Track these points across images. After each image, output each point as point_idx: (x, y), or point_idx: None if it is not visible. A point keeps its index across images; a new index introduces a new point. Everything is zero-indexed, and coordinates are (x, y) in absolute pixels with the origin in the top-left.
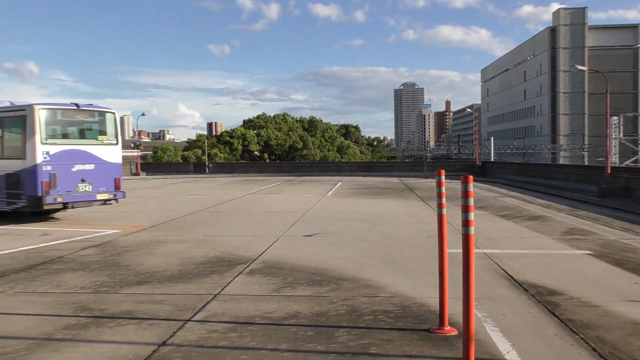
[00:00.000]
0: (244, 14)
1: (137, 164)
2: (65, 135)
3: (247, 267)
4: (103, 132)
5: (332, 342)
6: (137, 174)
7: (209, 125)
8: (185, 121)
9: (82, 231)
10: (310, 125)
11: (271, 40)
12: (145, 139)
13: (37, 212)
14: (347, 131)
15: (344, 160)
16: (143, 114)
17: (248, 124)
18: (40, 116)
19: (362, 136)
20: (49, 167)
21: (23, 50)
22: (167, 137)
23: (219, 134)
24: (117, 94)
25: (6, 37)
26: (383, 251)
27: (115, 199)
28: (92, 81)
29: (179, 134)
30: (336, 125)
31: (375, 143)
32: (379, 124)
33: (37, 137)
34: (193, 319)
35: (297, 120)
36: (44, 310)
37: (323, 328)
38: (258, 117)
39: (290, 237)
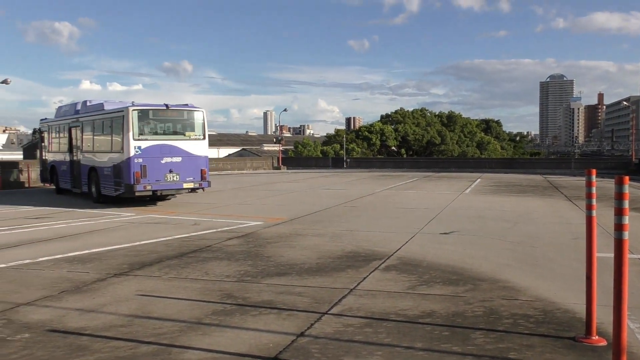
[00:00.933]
0: (384, 9)
1: (278, 158)
2: (155, 132)
3: (383, 262)
4: (191, 129)
5: (469, 344)
6: (278, 168)
7: (348, 120)
8: (324, 116)
9: (228, 222)
10: (449, 120)
11: (411, 34)
12: (287, 134)
13: (133, 198)
14: (488, 126)
15: (483, 156)
16: (285, 110)
17: (386, 119)
18: (133, 116)
19: (503, 131)
20: (140, 160)
21: (179, 50)
22: (307, 132)
23: (357, 129)
24: (261, 90)
25: (166, 38)
26: (524, 252)
27: (202, 188)
28: (239, 78)
29: (318, 129)
30: (476, 120)
31: (517, 138)
32: (522, 119)
33: (130, 134)
34: (330, 312)
35: (435, 115)
36: (194, 295)
37: (459, 329)
38: (396, 112)
39: (427, 234)
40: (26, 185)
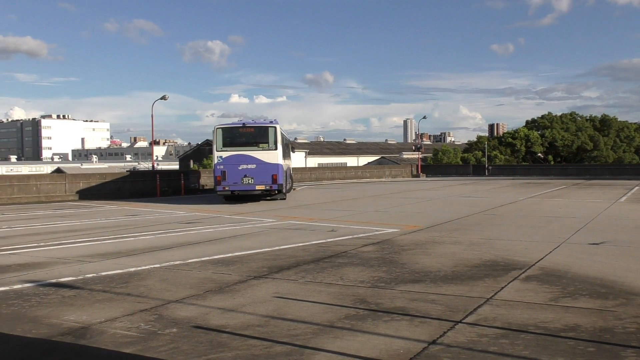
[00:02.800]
0: (530, 10)
1: (417, 166)
2: (234, 144)
3: (523, 272)
4: (264, 142)
5: None
6: (417, 176)
7: (490, 126)
8: (466, 123)
9: (365, 229)
10: (603, 125)
11: (560, 35)
12: (427, 142)
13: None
14: None
15: None
16: (425, 117)
17: (531, 124)
18: (217, 133)
19: None
20: (221, 167)
21: (321, 62)
22: (448, 139)
23: (500, 135)
24: (400, 98)
25: (309, 51)
26: None
27: (272, 190)
28: (379, 87)
29: (459, 136)
30: (635, 123)
31: None
32: None
33: (215, 147)
34: (464, 320)
35: (586, 119)
36: (328, 299)
37: (607, 345)
38: (542, 117)
39: (573, 245)
40: (200, 189)
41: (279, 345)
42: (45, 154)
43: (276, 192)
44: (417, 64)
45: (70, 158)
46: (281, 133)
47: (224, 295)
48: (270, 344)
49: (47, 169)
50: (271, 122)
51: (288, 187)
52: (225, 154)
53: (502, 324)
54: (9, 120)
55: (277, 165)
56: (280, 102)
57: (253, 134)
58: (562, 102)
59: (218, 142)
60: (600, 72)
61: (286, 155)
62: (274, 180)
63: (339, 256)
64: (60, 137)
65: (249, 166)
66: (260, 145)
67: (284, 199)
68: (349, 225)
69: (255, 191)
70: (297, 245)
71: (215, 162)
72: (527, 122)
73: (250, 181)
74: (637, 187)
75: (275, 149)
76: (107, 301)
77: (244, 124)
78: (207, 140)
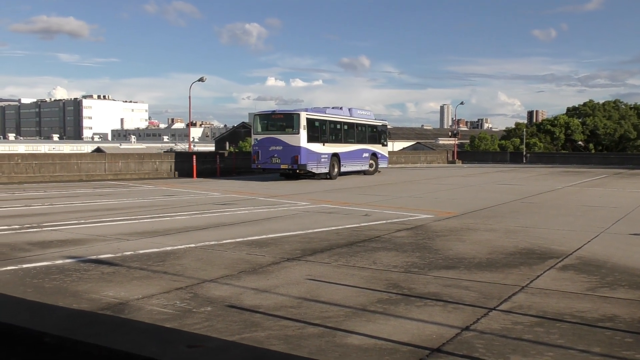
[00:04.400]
0: None
1: (453, 152)
2: (266, 129)
3: (559, 261)
4: (290, 126)
5: None
6: (453, 162)
7: (529, 113)
8: (504, 110)
9: (399, 214)
10: None
11: (605, 20)
12: (464, 128)
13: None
14: None
15: None
16: (462, 103)
17: (572, 111)
18: (255, 119)
19: None
20: (256, 148)
21: (357, 46)
22: (486, 125)
23: (539, 122)
24: (438, 83)
25: (345, 35)
26: None
27: (292, 169)
28: (416, 72)
29: (497, 123)
30: None
31: None
32: None
33: (252, 131)
34: (498, 308)
35: (630, 108)
36: (361, 283)
37: None
38: (584, 104)
39: (613, 234)
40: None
41: (312, 326)
42: (86, 133)
43: (298, 171)
44: (454, 48)
45: (109, 138)
46: (307, 119)
47: (257, 276)
48: (302, 325)
49: (88, 148)
50: (297, 110)
51: (335, 170)
52: (259, 137)
53: (537, 312)
54: (52, 99)
55: (299, 148)
56: (316, 86)
57: (282, 120)
58: (605, 90)
59: (255, 126)
60: None
61: (316, 139)
62: (295, 161)
63: (373, 240)
64: (100, 117)
65: (277, 148)
66: (287, 130)
67: (329, 179)
68: (382, 210)
69: (279, 170)
70: (330, 228)
71: (252, 143)
72: (567, 109)
73: (277, 160)
74: None
75: (298, 133)
76: (144, 279)
77: (274, 111)
78: (243, 122)
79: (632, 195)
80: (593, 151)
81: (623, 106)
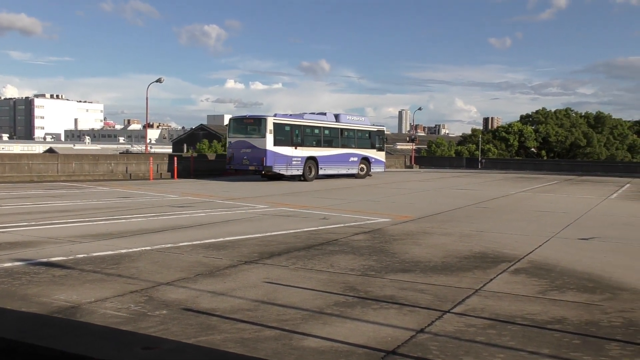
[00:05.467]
0: (529, 4)
1: (411, 157)
2: (239, 132)
3: (512, 265)
4: (258, 130)
5: (602, 355)
6: (410, 167)
7: (485, 120)
8: (461, 116)
9: (356, 217)
10: (597, 122)
11: (558, 30)
12: (421, 133)
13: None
14: None
15: (635, 160)
16: (420, 109)
17: (526, 119)
18: (230, 123)
19: None
20: (230, 150)
21: (317, 50)
22: (443, 131)
23: (494, 129)
24: (397, 89)
25: (306, 38)
26: None
27: (259, 170)
28: (375, 77)
29: (454, 129)
30: (629, 121)
31: None
32: None
33: (227, 134)
34: (452, 310)
35: (581, 116)
36: (318, 286)
37: (592, 338)
38: (537, 112)
39: (563, 239)
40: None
41: (268, 329)
42: (38, 133)
43: (263, 173)
44: (414, 55)
45: (62, 138)
46: (274, 124)
47: (214, 279)
48: (259, 328)
49: (39, 148)
50: (264, 115)
51: (312, 173)
52: (233, 140)
53: (490, 314)
54: (2, 98)
55: (265, 151)
56: (276, 89)
57: (252, 124)
58: (557, 98)
59: (230, 130)
60: (596, 69)
61: (286, 143)
62: (261, 163)
63: (330, 244)
64: (53, 117)
65: (247, 150)
66: (255, 133)
67: (304, 180)
68: (340, 213)
69: (248, 171)
70: (288, 232)
71: (227, 145)
72: (521, 116)
73: (246, 162)
74: (628, 185)
75: (264, 137)
76: (98, 282)
77: (246, 116)
78: (201, 124)
79: (581, 201)
80: (545, 158)
81: (574, 114)
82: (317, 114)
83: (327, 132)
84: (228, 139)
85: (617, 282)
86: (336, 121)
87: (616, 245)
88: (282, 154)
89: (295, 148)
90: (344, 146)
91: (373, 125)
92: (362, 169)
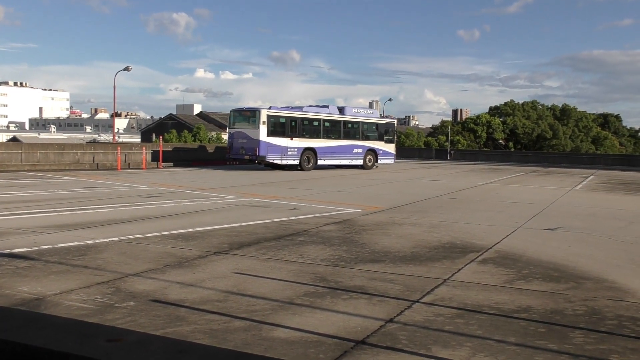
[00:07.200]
0: None
1: None
2: (237, 124)
3: (480, 255)
4: (252, 122)
5: (566, 343)
6: None
7: (454, 111)
8: (430, 107)
9: (326, 208)
10: (562, 114)
11: (525, 24)
12: None
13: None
14: (606, 121)
15: (599, 152)
16: (390, 100)
17: (494, 111)
18: (230, 114)
19: (623, 127)
20: (230, 140)
21: (288, 40)
22: (412, 122)
23: (463, 120)
24: (367, 80)
25: (277, 28)
26: (637, 252)
27: (252, 160)
28: (346, 68)
29: (424, 120)
30: (593, 114)
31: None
32: None
33: (228, 125)
34: (421, 300)
35: (547, 108)
36: (288, 276)
37: (557, 326)
38: (505, 104)
39: (529, 229)
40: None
41: (238, 320)
42: (1, 122)
43: (257, 162)
44: (384, 46)
45: (27, 127)
46: (267, 116)
47: (183, 270)
48: (228, 319)
49: (3, 137)
50: (259, 108)
51: (310, 163)
52: (232, 131)
53: (458, 304)
54: None
55: (258, 141)
56: (246, 79)
57: (248, 116)
58: (525, 91)
59: (230, 121)
60: (562, 62)
61: (281, 134)
62: (255, 152)
63: (300, 234)
64: (17, 106)
65: (243, 140)
66: (251, 125)
67: (302, 170)
68: (311, 204)
69: (244, 159)
70: (258, 222)
71: (228, 136)
72: (490, 108)
73: (243, 152)
74: (592, 176)
75: (258, 128)
76: (63, 273)
77: (244, 108)
78: (170, 114)
79: (548, 192)
80: (513, 149)
81: (540, 107)
82: (320, 106)
83: (327, 124)
84: (228, 130)
85: (581, 272)
86: (340, 114)
87: (580, 235)
88: (277, 144)
89: (291, 139)
90: (346, 138)
91: (382, 117)
92: (369, 160)
